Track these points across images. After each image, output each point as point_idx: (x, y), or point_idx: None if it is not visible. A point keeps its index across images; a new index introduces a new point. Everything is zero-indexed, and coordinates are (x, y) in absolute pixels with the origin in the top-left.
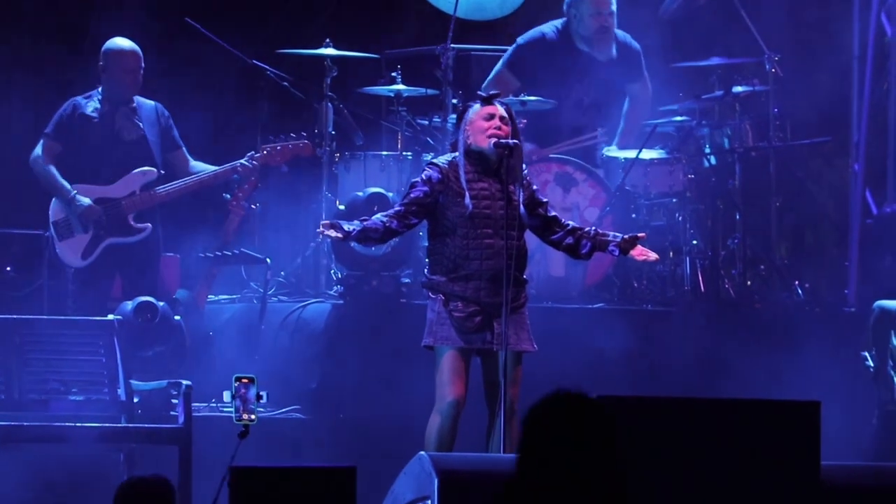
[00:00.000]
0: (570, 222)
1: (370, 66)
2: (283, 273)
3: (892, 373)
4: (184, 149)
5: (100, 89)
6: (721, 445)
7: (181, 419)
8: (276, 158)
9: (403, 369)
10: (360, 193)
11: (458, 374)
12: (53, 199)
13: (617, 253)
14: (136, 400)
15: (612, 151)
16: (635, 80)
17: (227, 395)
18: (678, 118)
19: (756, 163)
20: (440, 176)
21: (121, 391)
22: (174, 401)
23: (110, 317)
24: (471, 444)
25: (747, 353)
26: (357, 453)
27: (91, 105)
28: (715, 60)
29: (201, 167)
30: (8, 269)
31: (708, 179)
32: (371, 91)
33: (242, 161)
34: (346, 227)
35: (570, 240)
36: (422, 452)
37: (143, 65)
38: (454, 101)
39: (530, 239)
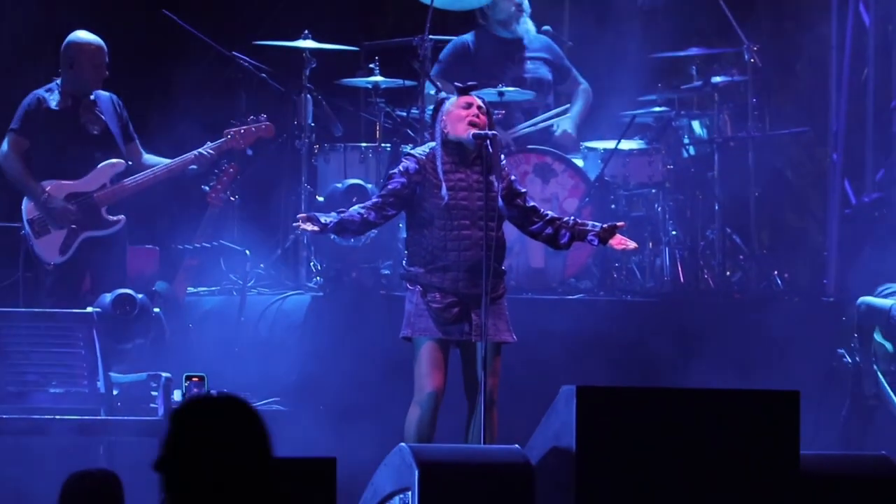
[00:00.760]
0: (549, 212)
1: (348, 58)
2: (262, 265)
3: (876, 368)
4: (137, 142)
5: (58, 82)
6: (701, 435)
7: (161, 411)
8: (240, 142)
9: (383, 361)
10: (339, 185)
11: (436, 365)
12: (26, 197)
13: (596, 242)
14: (115, 392)
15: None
16: (563, 80)
17: (177, 394)
18: (657, 109)
19: (735, 153)
20: (417, 167)
21: (100, 384)
22: (154, 393)
23: (89, 309)
24: (450, 435)
25: (727, 343)
26: (337, 445)
27: (53, 99)
28: (693, 51)
29: (154, 160)
30: None
31: (687, 170)
32: (349, 82)
33: (199, 150)
34: (322, 219)
35: (549, 230)
36: (402, 444)
37: (108, 59)
38: (432, 91)
39: (510, 230)
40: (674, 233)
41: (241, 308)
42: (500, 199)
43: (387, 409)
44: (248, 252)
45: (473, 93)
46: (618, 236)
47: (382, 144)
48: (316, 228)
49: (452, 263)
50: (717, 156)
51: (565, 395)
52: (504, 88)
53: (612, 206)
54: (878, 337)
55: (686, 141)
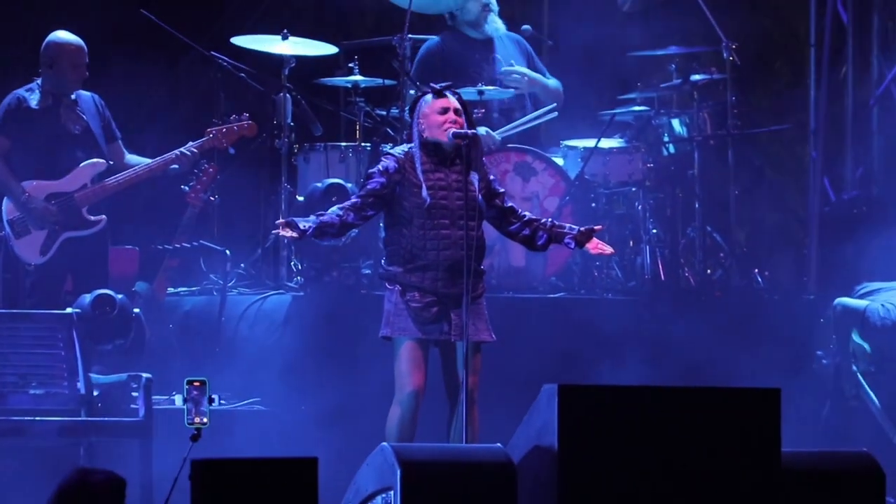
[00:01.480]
0: (527, 213)
1: (328, 58)
2: (242, 265)
3: (856, 369)
4: (120, 141)
5: (39, 82)
6: (682, 433)
7: (141, 412)
8: (222, 141)
9: (364, 360)
10: (319, 184)
11: (416, 364)
12: (5, 198)
13: (573, 246)
14: (95, 393)
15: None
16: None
17: (178, 399)
18: (637, 107)
19: (714, 151)
20: (397, 166)
21: (80, 385)
22: (134, 394)
23: (69, 310)
24: (432, 434)
25: (708, 341)
26: (319, 444)
27: (34, 98)
28: (673, 49)
29: (136, 160)
30: None
31: (667, 168)
32: (329, 82)
33: (181, 150)
34: (301, 225)
35: (526, 231)
36: (384, 443)
37: (87, 59)
38: (412, 91)
39: (490, 230)
40: (654, 231)
41: (221, 308)
42: (480, 198)
43: (368, 409)
44: (228, 252)
45: (452, 91)
46: (594, 240)
47: (362, 144)
48: (295, 235)
49: (431, 263)
50: (697, 154)
51: (547, 393)
52: (483, 87)
53: (593, 204)
54: (856, 338)
55: (666, 139)
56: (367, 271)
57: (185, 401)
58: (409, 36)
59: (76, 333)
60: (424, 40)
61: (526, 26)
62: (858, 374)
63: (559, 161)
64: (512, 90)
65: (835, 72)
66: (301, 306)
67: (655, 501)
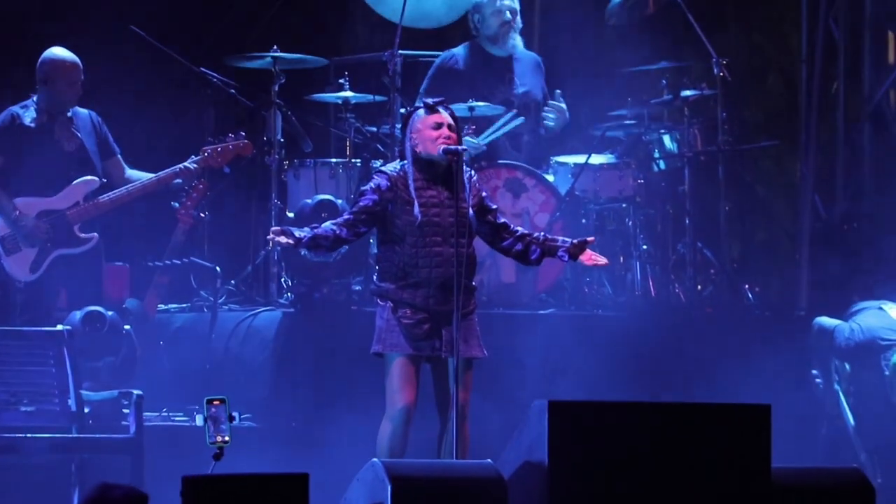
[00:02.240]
0: (520, 228)
1: (318, 73)
2: (233, 281)
3: (838, 388)
4: (119, 156)
5: (34, 99)
6: (673, 449)
7: (132, 429)
8: (217, 160)
9: (355, 376)
10: (309, 201)
11: (408, 380)
12: None
13: (566, 258)
14: (86, 410)
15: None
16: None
17: (199, 419)
18: (627, 123)
19: (705, 167)
20: (389, 184)
21: (71, 401)
22: (125, 410)
23: (59, 327)
24: (423, 450)
25: (698, 357)
26: (309, 461)
27: (28, 115)
28: (663, 64)
29: (137, 175)
30: None
31: (657, 184)
32: (319, 98)
33: (184, 164)
34: (296, 233)
35: (519, 246)
36: (374, 459)
37: (83, 76)
38: (402, 110)
39: (481, 245)
40: (644, 247)
41: (211, 325)
42: (471, 214)
43: (359, 425)
44: (218, 269)
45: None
46: (588, 252)
47: (353, 160)
48: (290, 242)
49: (423, 280)
50: (688, 170)
51: (537, 409)
52: (474, 103)
53: (583, 220)
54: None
55: (656, 155)
56: (358, 287)
57: (205, 420)
58: (399, 52)
59: (67, 350)
60: (416, 56)
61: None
62: (840, 392)
63: (550, 177)
64: (503, 107)
65: (826, 88)
66: (291, 323)
67: None
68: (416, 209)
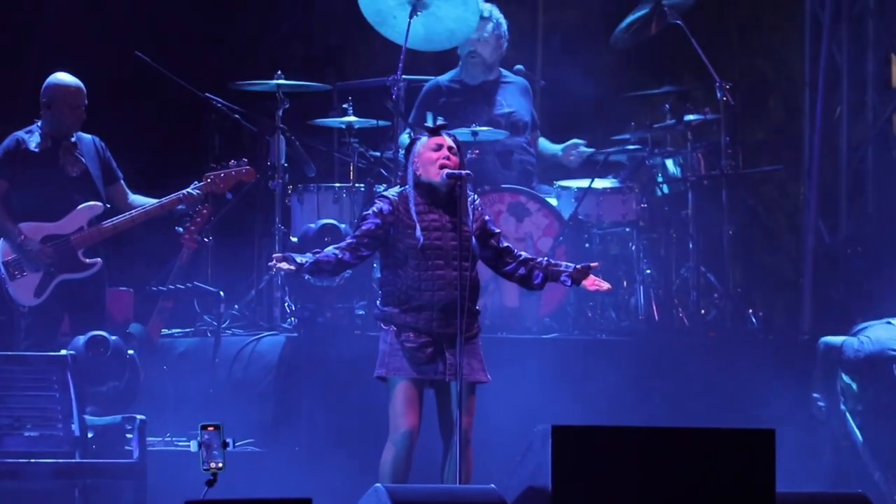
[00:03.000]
0: (523, 253)
1: (322, 98)
2: (236, 306)
3: (844, 408)
4: (122, 181)
5: (39, 124)
6: (677, 474)
7: (136, 454)
8: (220, 186)
9: (358, 401)
10: (313, 225)
11: (411, 404)
12: (1, 239)
13: (569, 283)
14: (90, 435)
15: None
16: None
17: (193, 445)
18: (630, 147)
19: (708, 191)
20: (391, 208)
21: (75, 426)
22: (129, 436)
23: (63, 352)
24: (426, 474)
25: (702, 381)
26: (313, 485)
27: (33, 140)
28: (666, 89)
29: (141, 200)
30: None
31: (661, 208)
32: (323, 123)
33: (187, 190)
34: (298, 259)
35: (522, 270)
36: (377, 484)
37: (86, 101)
38: (405, 135)
39: (484, 270)
40: (648, 271)
41: (215, 349)
42: (473, 239)
43: (362, 450)
44: (222, 293)
45: (447, 132)
46: (591, 277)
47: (356, 185)
48: (292, 268)
49: (426, 303)
50: (691, 194)
51: (540, 434)
52: (478, 128)
53: (587, 244)
54: (844, 377)
55: (660, 179)
56: (361, 312)
57: (199, 445)
58: (403, 77)
59: (71, 375)
60: (420, 81)
61: (519, 66)
62: (847, 413)
63: (553, 201)
64: (506, 132)
65: (829, 112)
66: (295, 347)
67: None
68: (419, 232)
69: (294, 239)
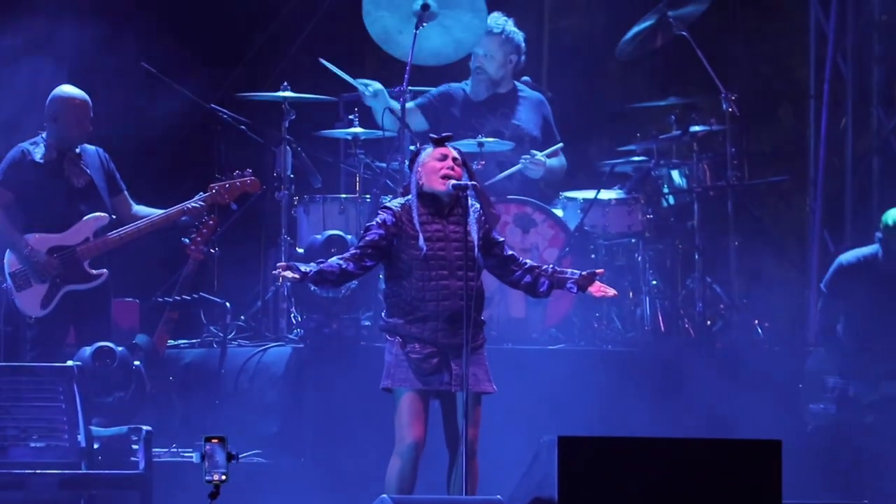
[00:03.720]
0: (528, 261)
1: (328, 110)
2: (242, 317)
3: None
4: (126, 192)
5: (44, 135)
6: (683, 486)
7: (142, 465)
8: (225, 196)
9: (364, 412)
10: (319, 236)
11: (416, 415)
12: (8, 250)
13: (575, 290)
14: (96, 446)
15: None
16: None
17: (196, 457)
18: (636, 158)
19: (714, 202)
20: (394, 219)
21: (81, 437)
22: (134, 447)
23: (69, 363)
24: (432, 486)
25: (708, 392)
26: (318, 497)
27: (38, 152)
28: (672, 100)
29: (145, 211)
30: None
31: (667, 219)
32: (329, 134)
33: (192, 201)
34: (302, 268)
35: (527, 278)
36: (383, 495)
37: (92, 114)
38: (412, 147)
39: (490, 280)
40: (654, 282)
41: (221, 360)
42: (476, 249)
43: (368, 461)
44: (228, 304)
45: (451, 143)
46: (597, 283)
47: (362, 196)
48: (296, 276)
49: (431, 314)
50: (697, 205)
51: (547, 445)
52: (483, 139)
53: (592, 255)
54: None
55: (665, 190)
56: (367, 323)
57: (202, 457)
58: (409, 88)
59: (77, 386)
60: (425, 93)
61: (525, 77)
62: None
63: (559, 212)
64: (512, 143)
65: (834, 123)
66: (301, 358)
67: None
68: (421, 241)
69: (300, 250)
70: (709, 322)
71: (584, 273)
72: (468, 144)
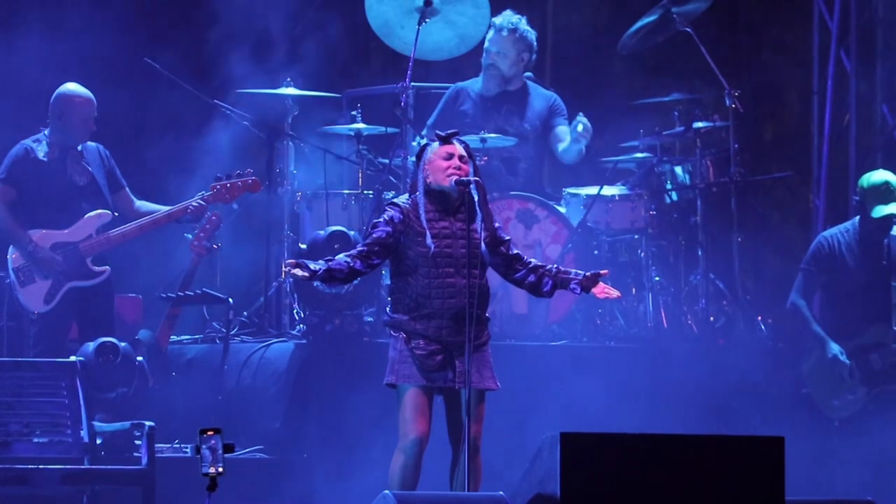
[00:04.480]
0: (533, 260)
1: (331, 106)
2: (245, 313)
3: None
4: (127, 188)
5: (46, 133)
6: (686, 482)
7: (144, 460)
8: (226, 196)
9: (367, 407)
10: (322, 232)
11: (420, 411)
12: (12, 246)
13: (578, 291)
14: (99, 441)
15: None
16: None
17: (191, 449)
18: (639, 154)
19: (717, 198)
20: (401, 216)
21: (84, 433)
22: (137, 442)
23: (72, 358)
24: (435, 481)
25: (711, 388)
26: (321, 493)
27: (41, 149)
28: (675, 96)
29: (147, 207)
30: None
31: (670, 215)
32: (332, 130)
33: (194, 201)
34: (312, 266)
35: (532, 278)
36: (386, 491)
37: (96, 112)
38: (414, 142)
39: (493, 277)
40: (657, 278)
41: (224, 356)
42: (483, 246)
43: (371, 456)
44: (230, 300)
45: (458, 139)
46: (600, 285)
47: (365, 192)
48: (306, 274)
49: (437, 311)
50: (700, 201)
51: (549, 441)
52: (486, 135)
53: (595, 251)
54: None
55: (669, 186)
56: (370, 318)
57: (197, 450)
58: (412, 84)
59: (80, 382)
60: (428, 88)
61: (528, 73)
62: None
63: (562, 208)
64: (514, 139)
65: (838, 119)
66: (304, 354)
67: None
68: (429, 239)
69: (303, 246)
70: (712, 318)
71: (587, 274)
72: (471, 140)
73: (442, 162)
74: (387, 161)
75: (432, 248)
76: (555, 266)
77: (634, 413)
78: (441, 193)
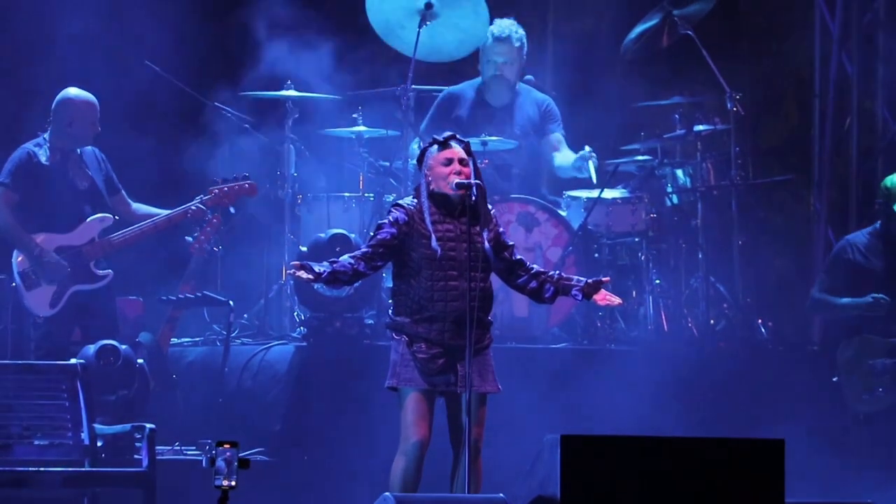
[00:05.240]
0: (535, 266)
1: (331, 108)
2: (246, 315)
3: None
4: (123, 192)
5: (46, 137)
6: (686, 484)
7: (145, 462)
8: (223, 200)
9: (368, 410)
10: (323, 235)
11: (422, 415)
12: (16, 249)
13: (580, 297)
14: (99, 444)
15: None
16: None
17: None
18: (640, 157)
19: (718, 201)
20: (406, 217)
21: (84, 435)
22: (138, 444)
23: (73, 361)
24: (435, 484)
25: (711, 391)
26: (322, 495)
27: (43, 153)
28: (676, 99)
29: (144, 210)
30: None
31: (670, 218)
32: (333, 132)
33: (193, 204)
34: (316, 268)
35: (533, 284)
36: (387, 493)
37: (99, 116)
38: (414, 145)
39: (494, 280)
40: (657, 281)
41: (224, 358)
42: (487, 246)
43: (372, 459)
44: (231, 303)
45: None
46: (602, 292)
47: (366, 194)
48: (310, 276)
49: (439, 314)
50: (701, 204)
51: (549, 443)
52: (488, 137)
53: (596, 254)
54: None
55: (669, 189)
56: (371, 321)
57: (212, 461)
58: (412, 86)
59: (80, 384)
60: (429, 91)
61: (528, 76)
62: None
63: (562, 212)
64: (515, 142)
65: (839, 122)
66: (304, 356)
67: None
68: (434, 243)
69: (304, 248)
70: (712, 321)
71: (589, 281)
72: (472, 143)
73: (442, 168)
74: (388, 164)
75: (438, 251)
76: (557, 272)
77: (634, 416)
78: (444, 197)
